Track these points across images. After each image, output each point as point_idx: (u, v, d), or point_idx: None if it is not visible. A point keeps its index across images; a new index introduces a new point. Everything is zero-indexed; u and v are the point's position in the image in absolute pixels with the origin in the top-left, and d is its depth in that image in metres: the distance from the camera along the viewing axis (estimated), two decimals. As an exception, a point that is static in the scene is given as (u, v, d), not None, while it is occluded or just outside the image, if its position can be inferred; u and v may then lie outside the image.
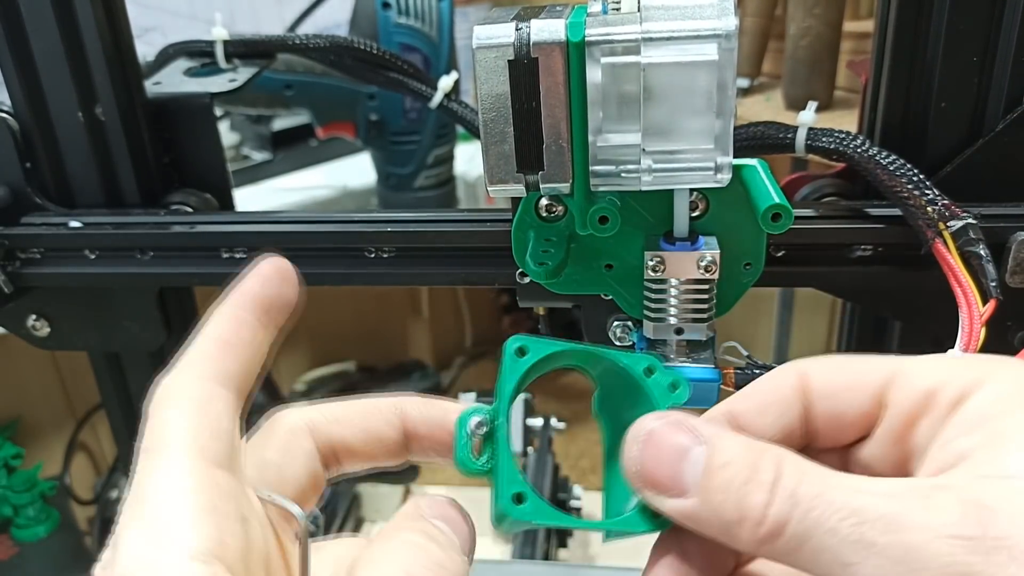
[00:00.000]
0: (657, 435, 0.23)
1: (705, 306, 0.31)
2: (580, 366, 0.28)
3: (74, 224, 0.44)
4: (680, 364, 0.32)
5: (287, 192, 0.93)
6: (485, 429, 0.24)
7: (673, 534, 0.24)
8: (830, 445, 0.25)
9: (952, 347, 0.30)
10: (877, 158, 0.35)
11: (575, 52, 0.27)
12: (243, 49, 0.52)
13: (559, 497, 0.80)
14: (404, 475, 0.95)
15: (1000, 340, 0.37)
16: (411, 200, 0.85)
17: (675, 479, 0.22)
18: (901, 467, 0.23)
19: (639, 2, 0.27)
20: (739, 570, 0.25)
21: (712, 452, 0.22)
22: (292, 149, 1.01)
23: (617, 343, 0.36)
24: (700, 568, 0.24)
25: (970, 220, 0.33)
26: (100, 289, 0.46)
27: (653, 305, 0.32)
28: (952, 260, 0.33)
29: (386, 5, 0.76)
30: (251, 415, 0.23)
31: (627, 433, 0.23)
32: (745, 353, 0.32)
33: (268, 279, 0.26)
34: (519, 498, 0.23)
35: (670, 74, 0.27)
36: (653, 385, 0.26)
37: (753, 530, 0.20)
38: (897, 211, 0.36)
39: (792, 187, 0.43)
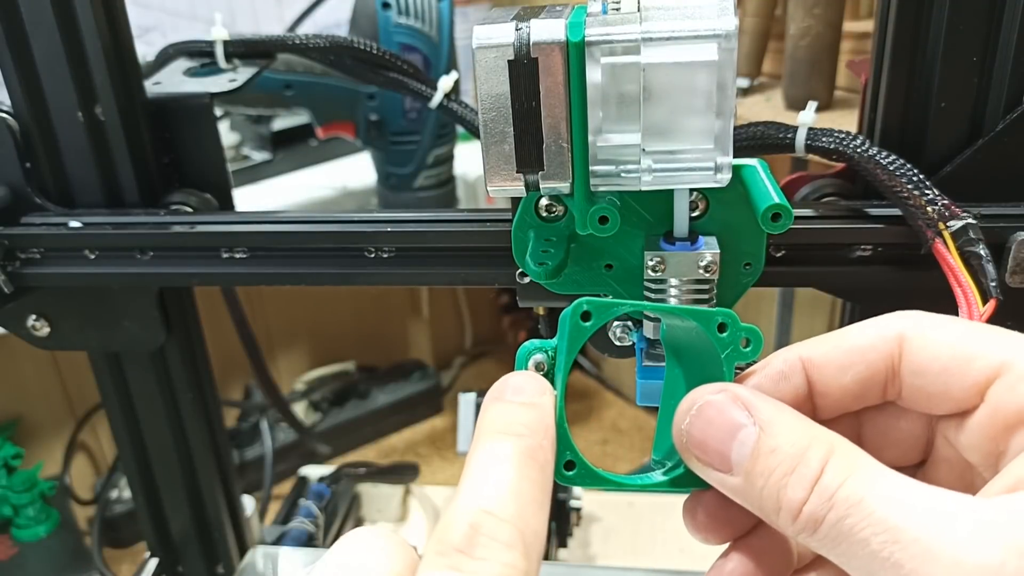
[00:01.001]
0: (712, 408, 0.22)
1: (705, 306, 0.31)
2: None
3: (74, 224, 0.44)
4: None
5: (287, 192, 0.93)
6: (544, 370, 0.25)
7: (747, 538, 0.25)
8: (908, 409, 0.24)
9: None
10: (877, 158, 0.35)
11: (575, 52, 0.27)
12: (243, 49, 0.52)
13: (559, 497, 0.80)
14: (404, 475, 0.95)
15: (1000, 340, 0.37)
16: (411, 200, 0.85)
17: (723, 455, 0.22)
18: (993, 460, 0.22)
19: (639, 2, 0.27)
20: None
21: (762, 435, 0.21)
22: (292, 149, 1.01)
23: (617, 343, 0.36)
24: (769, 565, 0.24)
25: (970, 220, 0.33)
26: (100, 289, 0.46)
27: (653, 305, 0.32)
28: (952, 260, 0.33)
29: (386, 5, 0.76)
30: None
31: (684, 399, 0.23)
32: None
33: None
34: (569, 465, 0.24)
35: (670, 74, 0.27)
36: (723, 342, 0.25)
37: (788, 520, 0.20)
38: (897, 211, 0.36)
39: (792, 187, 0.43)
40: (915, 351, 0.22)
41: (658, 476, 0.25)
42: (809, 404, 0.24)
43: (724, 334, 0.25)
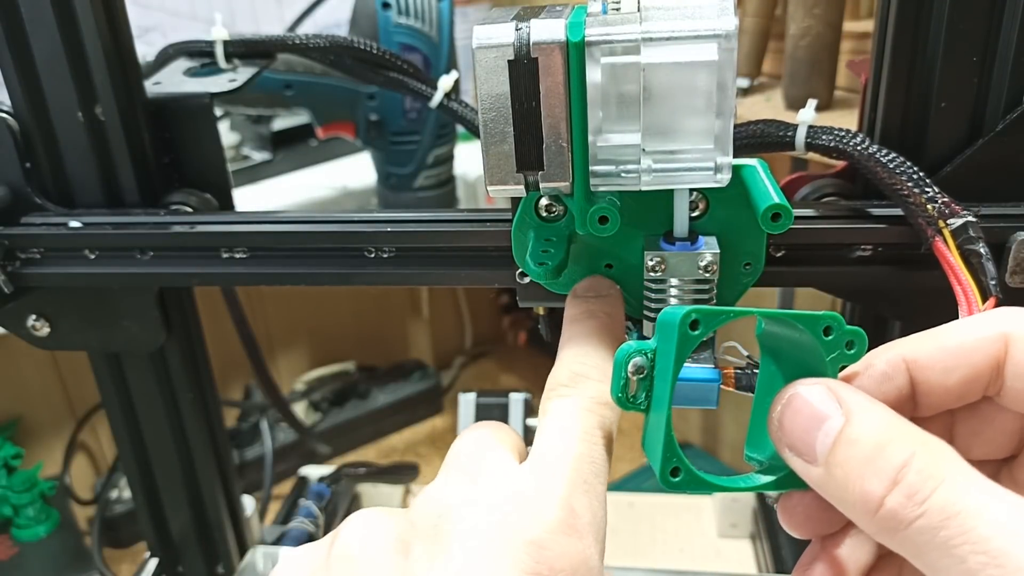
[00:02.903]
0: (800, 399, 0.23)
1: (708, 306, 0.31)
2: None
3: (74, 224, 0.44)
4: (680, 364, 0.32)
5: (287, 192, 0.93)
6: (643, 374, 0.25)
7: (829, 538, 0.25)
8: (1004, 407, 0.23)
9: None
10: (877, 156, 0.35)
11: (575, 52, 0.27)
12: (243, 49, 0.52)
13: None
14: (404, 475, 0.95)
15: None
16: (411, 200, 0.85)
17: (808, 445, 0.22)
18: None
19: (639, 2, 0.27)
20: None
21: (846, 426, 0.21)
22: (292, 149, 1.01)
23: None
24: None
25: (970, 218, 0.33)
26: (100, 289, 0.46)
27: (653, 305, 0.32)
28: (952, 258, 0.33)
29: (386, 5, 0.76)
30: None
31: (781, 390, 0.24)
32: (745, 353, 0.32)
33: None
34: (675, 472, 0.24)
35: (670, 74, 0.27)
36: (829, 346, 0.25)
37: (868, 515, 0.20)
38: (897, 211, 0.36)
39: (792, 187, 0.43)
40: (1020, 354, 0.22)
41: (762, 478, 0.26)
42: (910, 404, 0.24)
43: (830, 337, 0.25)
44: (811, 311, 0.25)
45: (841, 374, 0.25)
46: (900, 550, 0.20)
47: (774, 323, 0.26)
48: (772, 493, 0.26)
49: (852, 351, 0.25)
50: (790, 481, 0.25)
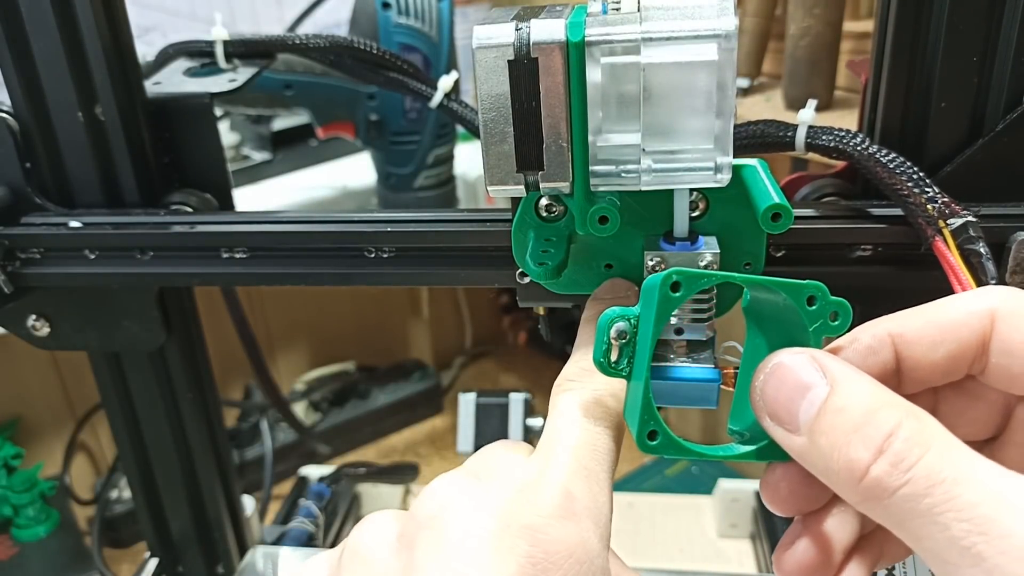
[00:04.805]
0: (784, 368, 0.23)
1: (705, 306, 0.31)
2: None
3: (74, 224, 0.44)
4: (680, 364, 0.32)
5: (287, 192, 0.93)
6: (625, 340, 0.25)
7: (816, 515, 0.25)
8: (987, 385, 0.23)
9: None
10: (877, 156, 0.35)
11: (575, 52, 0.27)
12: (243, 49, 0.52)
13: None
14: (404, 475, 0.95)
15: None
16: (411, 200, 0.85)
17: (791, 414, 0.22)
18: None
19: (639, 2, 0.27)
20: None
21: (831, 395, 0.21)
22: (292, 149, 1.01)
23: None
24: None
25: (970, 218, 0.33)
26: (100, 289, 0.46)
27: (653, 305, 0.32)
28: (952, 258, 0.33)
29: (386, 5, 0.76)
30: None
31: (764, 360, 0.24)
32: (745, 353, 0.32)
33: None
34: (652, 435, 0.24)
35: (670, 74, 0.27)
36: (812, 315, 0.25)
37: (852, 484, 0.20)
38: (897, 211, 0.36)
39: (792, 187, 0.43)
40: (1006, 331, 0.22)
41: (742, 447, 0.25)
42: (895, 380, 0.24)
43: (813, 307, 0.25)
44: (795, 280, 0.25)
45: (826, 348, 0.25)
46: (884, 520, 0.20)
47: (759, 290, 0.26)
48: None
49: (836, 322, 0.25)
50: (770, 452, 0.25)
